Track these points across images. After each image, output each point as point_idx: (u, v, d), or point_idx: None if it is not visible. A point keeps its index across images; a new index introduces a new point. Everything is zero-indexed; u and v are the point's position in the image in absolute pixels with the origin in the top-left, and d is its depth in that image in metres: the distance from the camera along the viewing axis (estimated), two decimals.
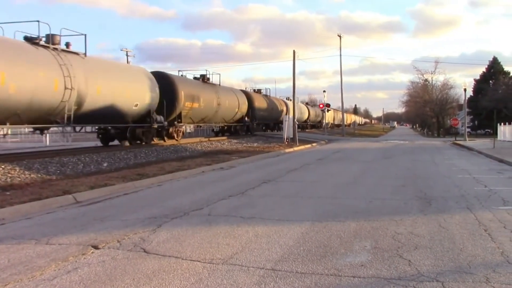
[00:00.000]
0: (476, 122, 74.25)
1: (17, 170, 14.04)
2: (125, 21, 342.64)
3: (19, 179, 13.16)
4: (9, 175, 13.43)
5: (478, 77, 77.65)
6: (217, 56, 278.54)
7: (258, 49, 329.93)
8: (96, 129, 23.49)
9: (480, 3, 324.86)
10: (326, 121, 72.10)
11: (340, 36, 64.17)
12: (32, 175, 13.83)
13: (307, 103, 77.41)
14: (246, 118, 40.75)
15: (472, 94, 73.37)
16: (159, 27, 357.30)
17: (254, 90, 48.76)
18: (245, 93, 42.69)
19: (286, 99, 59.58)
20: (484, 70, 76.31)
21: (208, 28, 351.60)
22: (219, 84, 35.81)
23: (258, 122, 45.00)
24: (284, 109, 52.99)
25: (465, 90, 45.08)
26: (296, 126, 36.78)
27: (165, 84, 26.21)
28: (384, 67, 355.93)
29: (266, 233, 6.99)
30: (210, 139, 32.17)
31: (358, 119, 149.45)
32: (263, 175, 15.02)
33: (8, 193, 10.62)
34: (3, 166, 14.09)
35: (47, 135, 25.42)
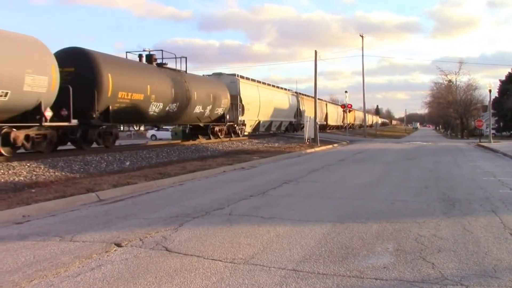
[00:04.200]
0: (501, 124, 72.98)
1: (42, 168, 14.29)
2: (142, 22, 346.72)
3: (44, 177, 13.40)
4: (34, 173, 13.69)
5: (501, 78, 76.42)
6: (234, 57, 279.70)
7: (275, 50, 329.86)
8: None
9: (498, 3, 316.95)
10: (348, 122, 71.53)
11: (362, 36, 63.76)
12: (56, 173, 14.07)
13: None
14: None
15: (497, 95, 72.12)
16: (175, 27, 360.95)
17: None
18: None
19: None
20: (510, 70, 74.92)
21: (224, 29, 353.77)
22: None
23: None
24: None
25: (490, 91, 44.21)
26: (318, 126, 36.61)
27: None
28: (403, 67, 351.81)
29: (287, 234, 6.98)
30: (231, 139, 32.24)
31: (379, 120, 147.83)
32: (284, 175, 14.99)
33: (33, 190, 10.83)
34: (28, 164, 14.36)
35: None
